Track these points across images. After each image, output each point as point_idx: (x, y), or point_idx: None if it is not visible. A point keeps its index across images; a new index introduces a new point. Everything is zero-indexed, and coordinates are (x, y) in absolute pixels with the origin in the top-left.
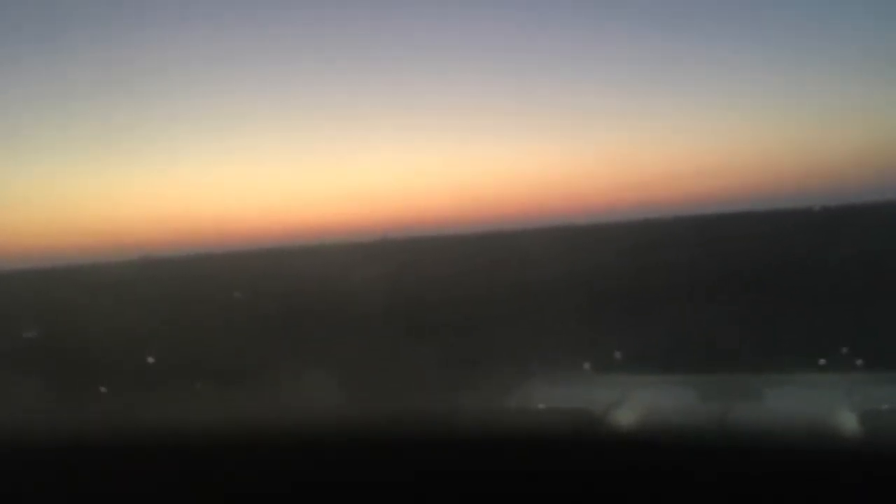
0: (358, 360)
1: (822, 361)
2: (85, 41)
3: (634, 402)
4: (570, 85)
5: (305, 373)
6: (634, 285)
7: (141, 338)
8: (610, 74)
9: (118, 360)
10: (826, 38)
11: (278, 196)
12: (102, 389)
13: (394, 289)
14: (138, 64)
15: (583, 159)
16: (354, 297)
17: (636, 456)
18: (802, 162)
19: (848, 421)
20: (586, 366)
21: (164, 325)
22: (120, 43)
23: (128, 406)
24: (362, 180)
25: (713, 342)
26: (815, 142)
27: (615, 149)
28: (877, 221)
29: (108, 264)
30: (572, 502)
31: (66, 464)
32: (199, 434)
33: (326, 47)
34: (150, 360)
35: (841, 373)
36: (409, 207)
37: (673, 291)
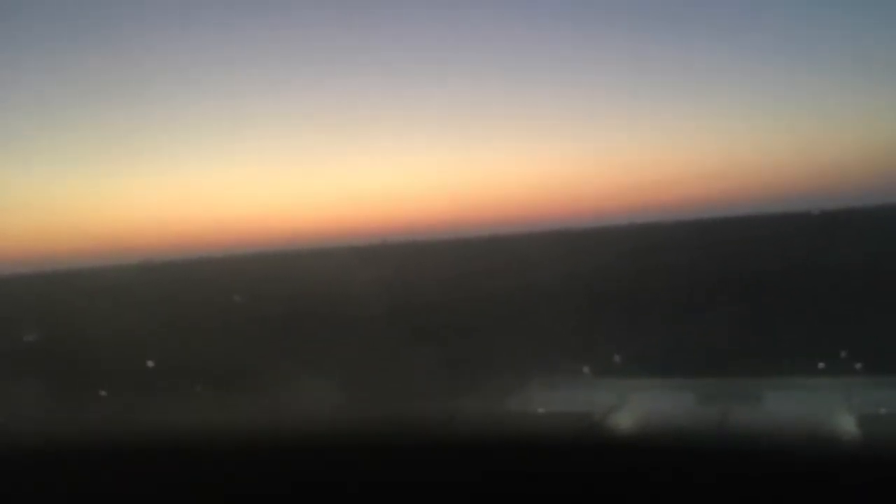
0: (358, 364)
1: (821, 365)
2: (86, 46)
3: (634, 405)
4: (569, 89)
5: (305, 376)
6: (634, 289)
7: (141, 341)
8: (609, 79)
9: (118, 363)
10: (825, 44)
11: (278, 200)
12: (102, 393)
13: (393, 292)
14: (139, 69)
15: (581, 163)
16: (354, 300)
17: (635, 459)
18: (801, 166)
19: (846, 424)
20: (586, 369)
21: (164, 328)
22: (121, 48)
23: (128, 409)
24: (362, 184)
25: (712, 346)
26: (813, 146)
27: (614, 153)
28: (875, 225)
29: (108, 268)
30: None
31: (66, 467)
32: (199, 438)
33: (327, 53)
34: (150, 363)
35: (840, 376)
36: (408, 211)
37: (672, 295)
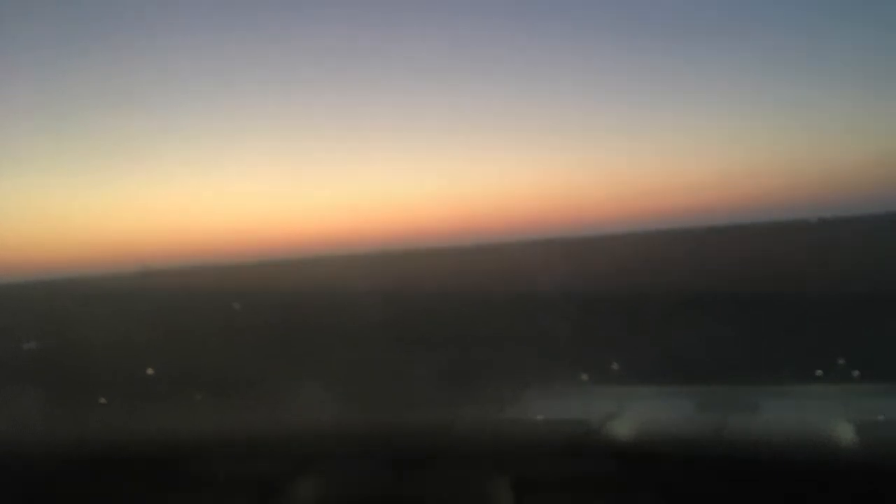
0: (356, 372)
1: (818, 372)
2: (85, 56)
3: (632, 413)
4: (568, 98)
5: (304, 384)
6: (632, 296)
7: (140, 349)
8: (608, 87)
9: (117, 371)
10: (823, 52)
11: (278, 207)
12: (102, 401)
13: (392, 300)
14: (136, 76)
15: (580, 172)
16: (353, 308)
17: (634, 466)
18: (799, 174)
19: (845, 432)
20: (584, 377)
21: (164, 336)
22: (119, 55)
23: (127, 417)
24: (361, 192)
25: (710, 353)
26: (812, 153)
27: (611, 161)
28: (874, 232)
29: (107, 275)
30: None
31: (65, 474)
32: (197, 445)
33: (326, 61)
34: (150, 371)
35: (838, 384)
36: (407, 219)
37: (670, 302)
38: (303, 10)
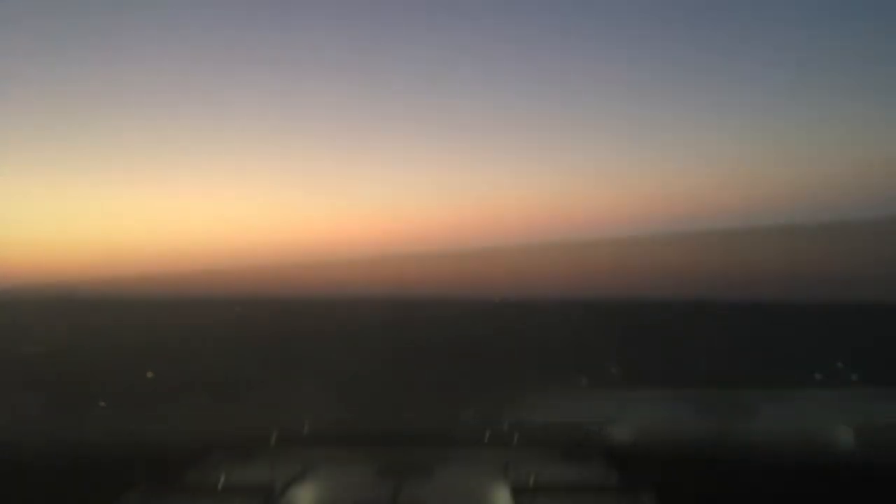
0: (358, 376)
1: (817, 376)
2: (87, 62)
3: (632, 415)
4: (569, 106)
5: (305, 387)
6: (631, 301)
7: (141, 352)
8: (610, 94)
9: (118, 374)
10: (825, 57)
11: (280, 214)
12: (102, 403)
13: (393, 305)
14: (138, 86)
15: (579, 176)
16: (354, 313)
17: (633, 469)
18: (798, 179)
19: (843, 435)
20: (584, 381)
21: (165, 339)
22: (122, 62)
23: (127, 420)
24: (362, 199)
25: (710, 357)
26: (810, 158)
27: (612, 165)
28: (872, 238)
29: (110, 280)
30: None
31: (65, 475)
32: (197, 447)
33: (326, 69)
34: (150, 374)
35: (836, 388)
36: (408, 224)
37: (669, 306)
38: (307, 16)
